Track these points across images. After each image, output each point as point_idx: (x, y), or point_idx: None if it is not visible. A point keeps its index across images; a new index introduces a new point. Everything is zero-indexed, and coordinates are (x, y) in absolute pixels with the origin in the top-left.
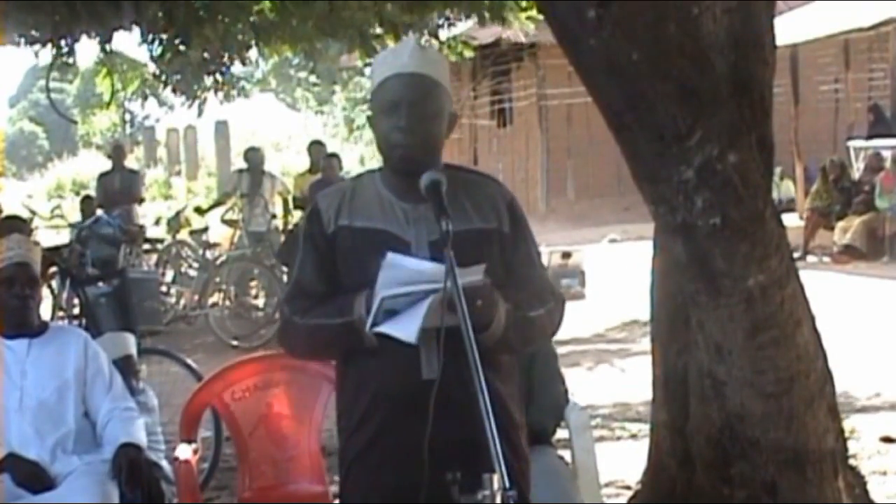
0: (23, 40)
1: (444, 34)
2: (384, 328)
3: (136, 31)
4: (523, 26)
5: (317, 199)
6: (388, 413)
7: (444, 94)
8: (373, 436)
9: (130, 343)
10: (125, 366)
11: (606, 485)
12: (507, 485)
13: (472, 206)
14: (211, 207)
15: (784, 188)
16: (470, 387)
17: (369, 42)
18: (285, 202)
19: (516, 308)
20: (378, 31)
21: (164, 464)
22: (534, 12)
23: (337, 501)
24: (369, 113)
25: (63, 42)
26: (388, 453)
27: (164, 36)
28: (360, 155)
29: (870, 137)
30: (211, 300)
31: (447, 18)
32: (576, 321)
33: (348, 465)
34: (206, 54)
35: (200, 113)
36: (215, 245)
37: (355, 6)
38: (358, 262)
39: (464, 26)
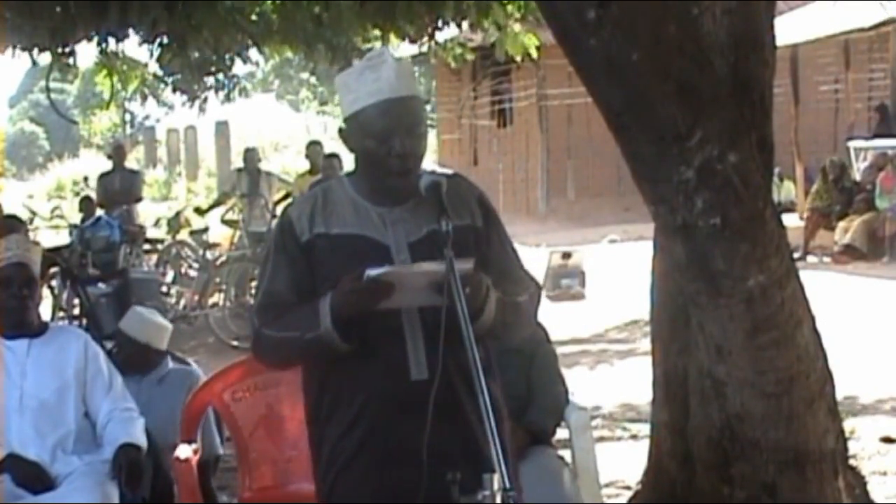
0: (20, 47)
1: (441, 36)
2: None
3: (136, 30)
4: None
5: (287, 209)
6: (379, 416)
7: (423, 106)
8: (363, 439)
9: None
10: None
11: (606, 485)
12: (507, 485)
13: (448, 206)
14: (210, 207)
15: (784, 190)
16: (460, 387)
17: (360, 50)
18: (287, 195)
19: (505, 294)
20: (376, 32)
21: None
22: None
23: None
24: (342, 126)
25: (62, 46)
26: (379, 456)
27: (164, 37)
28: None
29: (874, 137)
30: (211, 300)
31: (457, 22)
32: (576, 321)
33: (336, 472)
34: (205, 53)
35: (203, 106)
36: (215, 245)
37: (350, 7)
38: (336, 270)
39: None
